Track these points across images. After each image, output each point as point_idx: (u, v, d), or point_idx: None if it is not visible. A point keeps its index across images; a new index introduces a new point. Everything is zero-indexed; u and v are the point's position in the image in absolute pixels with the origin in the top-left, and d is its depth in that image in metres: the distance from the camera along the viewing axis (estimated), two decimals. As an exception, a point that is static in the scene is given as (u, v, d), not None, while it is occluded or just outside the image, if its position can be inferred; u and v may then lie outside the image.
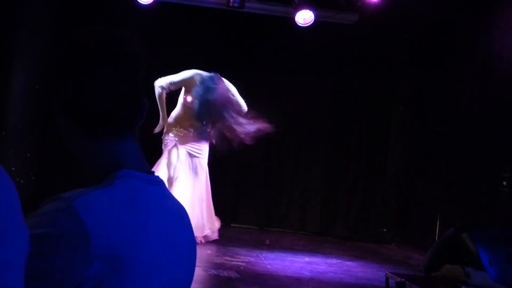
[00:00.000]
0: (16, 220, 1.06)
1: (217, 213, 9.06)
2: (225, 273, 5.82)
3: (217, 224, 7.44)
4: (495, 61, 7.15)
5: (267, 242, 7.93)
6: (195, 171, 7.13)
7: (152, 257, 1.30)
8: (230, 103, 6.90)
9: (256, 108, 6.98)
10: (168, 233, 1.36)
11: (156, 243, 1.32)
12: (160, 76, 8.31)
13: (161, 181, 1.42)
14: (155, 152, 8.13)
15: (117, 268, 1.24)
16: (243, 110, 7.05)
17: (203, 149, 7.18)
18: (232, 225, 9.02)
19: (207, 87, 6.75)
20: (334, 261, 7.14)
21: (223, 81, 6.97)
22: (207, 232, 7.20)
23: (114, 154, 1.35)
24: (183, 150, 7.08)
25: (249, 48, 8.93)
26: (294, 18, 8.13)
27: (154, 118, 7.98)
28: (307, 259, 7.05)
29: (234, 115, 6.83)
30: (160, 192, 1.40)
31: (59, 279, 1.20)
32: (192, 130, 7.09)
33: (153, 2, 7.85)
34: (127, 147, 1.37)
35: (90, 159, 1.37)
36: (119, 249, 1.24)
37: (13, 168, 7.34)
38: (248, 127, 6.83)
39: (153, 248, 1.31)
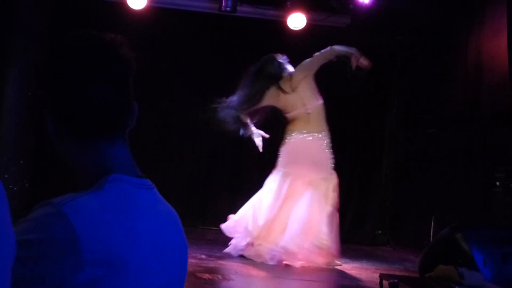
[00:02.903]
0: (2, 225, 1.06)
1: (212, 217, 9.06)
2: (220, 277, 5.82)
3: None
4: (486, 62, 7.18)
5: (263, 245, 7.91)
6: None
7: (143, 261, 1.30)
8: None
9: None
10: (159, 237, 1.36)
11: (147, 247, 1.32)
12: (153, 81, 8.34)
13: (152, 185, 1.42)
14: (149, 156, 8.13)
15: (108, 272, 1.24)
16: None
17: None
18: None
19: None
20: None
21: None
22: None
23: (104, 158, 1.35)
24: None
25: (241, 52, 8.93)
26: (286, 22, 8.14)
27: (146, 123, 8.01)
28: (302, 261, 7.03)
29: None
30: (151, 196, 1.40)
31: (50, 285, 1.20)
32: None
33: (145, 7, 7.86)
34: (117, 151, 1.37)
35: (80, 164, 1.37)
36: (110, 253, 1.24)
37: (6, 175, 7.33)
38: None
39: (144, 252, 1.31)
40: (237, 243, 6.68)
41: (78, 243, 1.20)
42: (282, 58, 7.04)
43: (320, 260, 6.51)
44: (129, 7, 7.80)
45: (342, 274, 6.56)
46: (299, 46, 8.74)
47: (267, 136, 6.99)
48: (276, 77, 6.88)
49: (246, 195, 9.09)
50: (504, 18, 6.76)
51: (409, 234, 8.65)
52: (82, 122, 1.33)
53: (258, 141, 6.95)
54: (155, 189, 1.43)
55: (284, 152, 6.91)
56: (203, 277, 5.70)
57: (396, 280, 4.53)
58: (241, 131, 6.92)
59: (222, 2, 7.83)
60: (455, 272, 4.31)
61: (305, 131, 6.86)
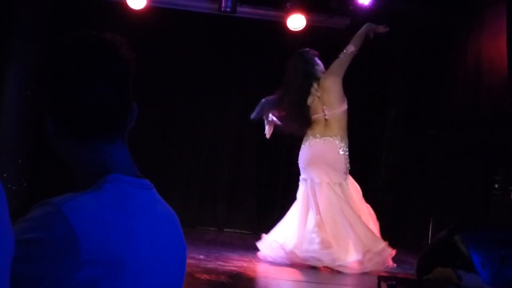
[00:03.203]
0: (1, 224, 1.06)
1: (211, 218, 9.07)
2: (218, 278, 5.82)
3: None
4: (486, 63, 7.18)
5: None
6: None
7: (142, 261, 1.30)
8: None
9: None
10: (158, 237, 1.36)
11: (145, 248, 1.32)
12: (153, 81, 8.34)
13: (151, 186, 1.42)
14: (149, 156, 8.14)
15: (107, 272, 1.24)
16: None
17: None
18: (225, 230, 9.01)
19: None
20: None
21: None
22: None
23: (104, 158, 1.35)
24: None
25: (241, 53, 8.94)
26: (285, 23, 8.14)
27: (146, 122, 8.01)
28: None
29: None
30: (150, 196, 1.40)
31: (49, 284, 1.20)
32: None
33: (145, 7, 7.86)
34: (116, 151, 1.37)
35: (79, 163, 1.37)
36: (109, 253, 1.24)
37: (4, 175, 7.33)
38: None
39: (143, 253, 1.31)
40: (276, 259, 6.58)
41: (77, 243, 1.21)
42: (313, 55, 6.97)
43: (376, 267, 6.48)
44: (129, 7, 7.80)
45: (340, 275, 6.55)
46: (299, 47, 8.74)
47: (279, 123, 6.96)
48: (312, 83, 6.87)
49: (246, 196, 9.12)
50: (504, 19, 6.77)
51: (407, 235, 8.65)
52: (82, 122, 1.33)
53: (268, 128, 6.92)
54: (154, 189, 1.43)
55: (301, 158, 6.90)
56: (201, 277, 5.70)
57: (394, 282, 4.53)
58: (254, 114, 6.89)
59: (222, 2, 7.84)
60: (453, 274, 4.31)
61: (318, 135, 6.84)
